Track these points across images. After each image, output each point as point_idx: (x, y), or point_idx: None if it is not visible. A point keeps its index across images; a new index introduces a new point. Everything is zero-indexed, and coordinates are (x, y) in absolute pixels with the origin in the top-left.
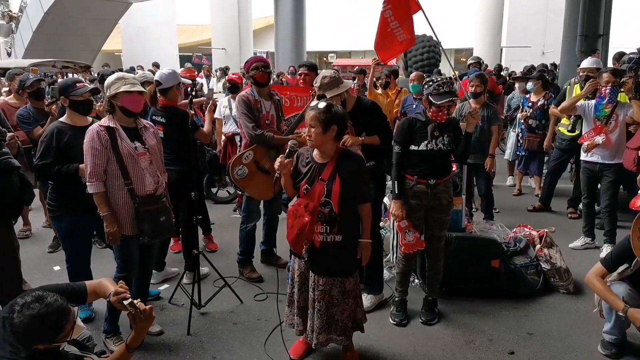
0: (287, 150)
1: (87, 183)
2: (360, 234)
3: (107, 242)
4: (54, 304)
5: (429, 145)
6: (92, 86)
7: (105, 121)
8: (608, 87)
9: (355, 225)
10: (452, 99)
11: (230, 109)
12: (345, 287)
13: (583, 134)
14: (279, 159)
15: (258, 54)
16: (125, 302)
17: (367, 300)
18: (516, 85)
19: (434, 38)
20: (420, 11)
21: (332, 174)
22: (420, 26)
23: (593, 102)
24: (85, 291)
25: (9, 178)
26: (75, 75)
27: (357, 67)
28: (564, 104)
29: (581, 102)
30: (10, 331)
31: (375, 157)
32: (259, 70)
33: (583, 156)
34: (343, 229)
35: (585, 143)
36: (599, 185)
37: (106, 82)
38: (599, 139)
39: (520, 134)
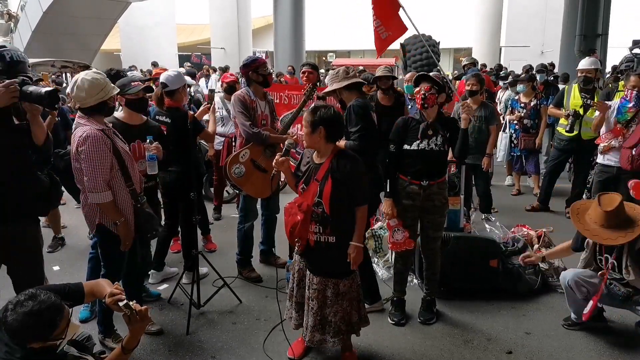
0: (284, 149)
1: (92, 194)
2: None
3: (123, 248)
4: (47, 301)
5: (420, 145)
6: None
7: (92, 124)
8: (635, 91)
9: (351, 227)
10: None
11: (227, 110)
12: (339, 288)
13: (601, 134)
14: (277, 157)
15: (257, 54)
16: (121, 304)
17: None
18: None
19: (417, 34)
20: (402, 9)
21: (325, 174)
22: (420, 25)
23: (616, 102)
24: (83, 291)
25: (38, 176)
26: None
27: (360, 67)
28: (596, 123)
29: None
30: (5, 330)
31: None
32: (267, 73)
33: (600, 159)
34: (336, 230)
35: (602, 145)
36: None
37: (97, 83)
38: (616, 142)
39: (514, 135)
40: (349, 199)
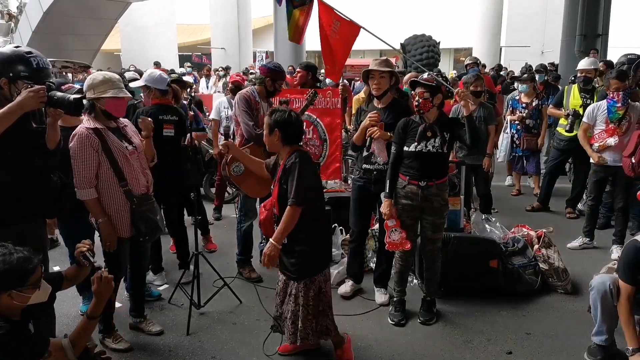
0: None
1: (77, 190)
2: (307, 239)
3: (104, 248)
4: (16, 251)
5: (418, 147)
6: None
7: (90, 122)
8: (620, 92)
9: (303, 230)
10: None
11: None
12: (291, 289)
13: (595, 132)
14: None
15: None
16: (83, 249)
17: (383, 296)
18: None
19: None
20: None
21: (279, 176)
22: (419, 26)
23: (601, 103)
24: (62, 276)
25: (50, 178)
26: (73, 75)
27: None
28: (581, 139)
29: (590, 107)
30: None
31: None
32: (280, 89)
33: (595, 159)
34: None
35: (596, 144)
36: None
37: (90, 82)
38: (612, 140)
39: (516, 135)
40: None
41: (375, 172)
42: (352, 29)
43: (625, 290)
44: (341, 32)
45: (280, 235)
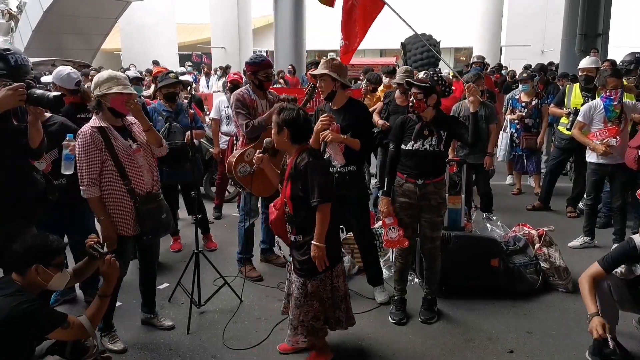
0: (263, 147)
1: (81, 188)
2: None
3: (107, 248)
4: (51, 234)
5: (414, 145)
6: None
7: (95, 121)
8: (619, 90)
9: (313, 226)
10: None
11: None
12: (307, 289)
13: (593, 131)
14: (256, 154)
15: (258, 53)
16: (91, 243)
17: (382, 295)
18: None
19: (417, 33)
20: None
21: (289, 174)
22: (420, 25)
23: (597, 102)
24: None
25: (34, 177)
26: None
27: (366, 67)
28: (577, 137)
29: (585, 105)
30: (10, 256)
31: (356, 162)
32: (269, 78)
33: (593, 159)
34: (300, 230)
35: (596, 141)
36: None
37: (96, 80)
38: (614, 140)
39: (515, 134)
40: (305, 197)
41: (337, 175)
42: (374, 4)
43: (595, 270)
44: (363, 5)
45: (320, 235)
